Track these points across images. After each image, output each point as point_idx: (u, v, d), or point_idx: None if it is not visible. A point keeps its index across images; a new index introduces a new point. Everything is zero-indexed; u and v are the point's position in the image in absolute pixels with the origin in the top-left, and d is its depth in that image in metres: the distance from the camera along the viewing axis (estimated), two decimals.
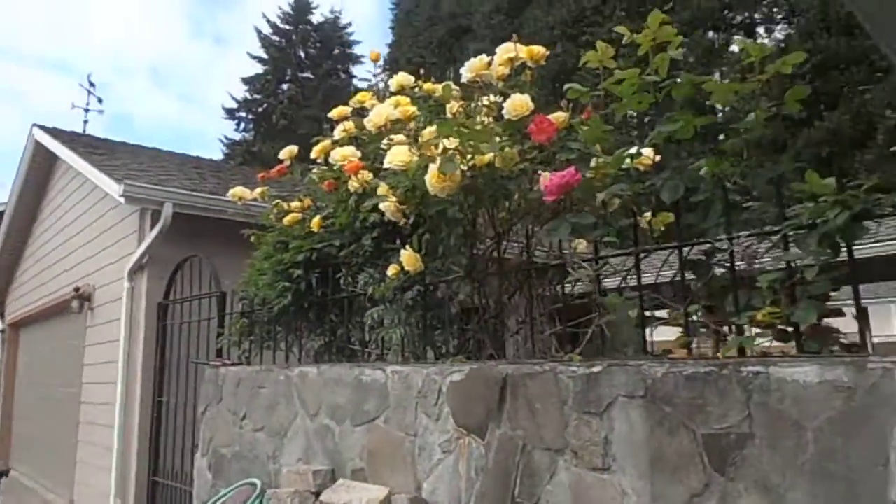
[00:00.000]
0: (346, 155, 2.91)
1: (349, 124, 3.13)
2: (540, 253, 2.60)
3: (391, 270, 2.70)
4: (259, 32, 32.97)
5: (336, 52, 35.02)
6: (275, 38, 33.64)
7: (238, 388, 3.75)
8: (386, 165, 2.35)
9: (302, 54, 34.32)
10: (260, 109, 32.38)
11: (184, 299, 5.11)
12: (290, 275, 3.35)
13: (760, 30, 23.09)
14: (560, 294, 2.24)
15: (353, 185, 2.88)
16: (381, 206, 2.45)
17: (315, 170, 3.51)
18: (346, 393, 2.90)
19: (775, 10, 20.89)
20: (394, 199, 2.41)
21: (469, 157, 2.12)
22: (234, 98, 32.68)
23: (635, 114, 2.24)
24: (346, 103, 3.38)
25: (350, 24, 35.84)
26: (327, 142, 3.19)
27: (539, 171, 2.31)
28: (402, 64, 27.76)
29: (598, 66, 2.27)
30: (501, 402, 2.19)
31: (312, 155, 3.24)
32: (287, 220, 3.44)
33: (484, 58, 2.30)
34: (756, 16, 21.89)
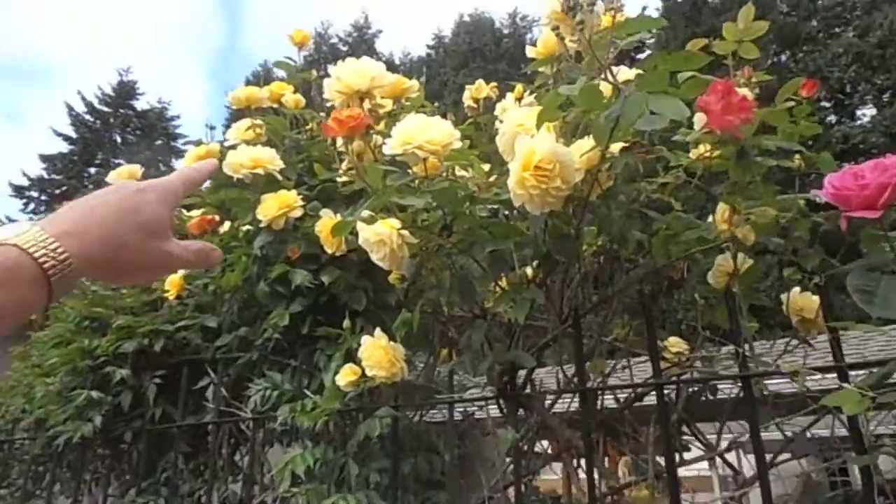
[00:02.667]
0: (259, 160, 1.59)
1: (258, 123, 1.82)
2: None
3: (345, 376, 1.37)
4: (70, 109, 29.67)
5: (159, 142, 32.48)
6: (89, 117, 30.48)
7: None
8: (396, 150, 1.10)
9: (118, 139, 31.35)
10: (58, 191, 28.45)
11: None
12: (103, 377, 1.81)
13: None
14: None
15: (268, 212, 1.56)
16: (366, 238, 1.17)
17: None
18: None
19: None
20: (394, 224, 1.14)
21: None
22: (26, 175, 28.47)
23: None
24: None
25: (178, 116, 33.79)
26: (212, 146, 1.83)
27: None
28: None
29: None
30: None
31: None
32: None
33: None
34: None
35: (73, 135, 30.60)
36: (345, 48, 30.73)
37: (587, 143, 1.06)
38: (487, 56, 27.49)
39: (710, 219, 1.37)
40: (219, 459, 1.79)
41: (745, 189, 1.20)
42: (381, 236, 1.15)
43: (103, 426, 1.79)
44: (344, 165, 1.32)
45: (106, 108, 31.92)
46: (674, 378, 1.23)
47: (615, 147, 1.07)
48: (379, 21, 39.53)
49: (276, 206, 1.56)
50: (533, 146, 0.97)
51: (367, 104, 1.43)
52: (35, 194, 29.32)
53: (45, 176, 29.29)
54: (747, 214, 1.12)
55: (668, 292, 1.31)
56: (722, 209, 1.30)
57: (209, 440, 1.81)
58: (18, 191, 28.91)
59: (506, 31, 29.44)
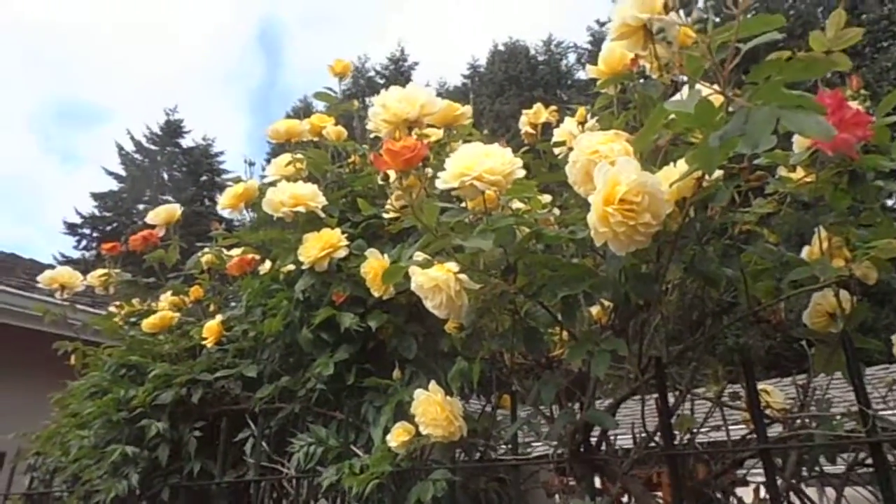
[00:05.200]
0: (300, 197, 1.49)
1: (298, 157, 1.72)
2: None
3: (398, 436, 1.23)
4: (120, 149, 30.80)
5: (203, 178, 33.34)
6: (138, 156, 31.57)
7: None
8: (451, 183, 0.96)
9: (165, 176, 32.33)
10: (108, 228, 29.39)
11: None
12: (139, 431, 1.71)
13: None
14: None
15: (310, 253, 1.44)
16: (420, 283, 1.03)
17: (215, 245, 2.02)
18: None
19: None
20: (452, 268, 1.01)
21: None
22: (79, 213, 29.56)
23: None
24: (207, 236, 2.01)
25: (223, 152, 34.70)
26: (251, 183, 1.74)
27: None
28: None
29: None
30: None
31: (222, 204, 1.76)
32: (147, 323, 1.86)
33: None
34: None
35: (123, 173, 31.71)
36: (382, 81, 31.19)
37: (674, 170, 0.92)
38: (523, 83, 27.52)
39: (804, 251, 1.20)
40: None
41: (857, 217, 1.04)
42: (436, 281, 1.01)
43: (140, 483, 1.69)
44: (393, 200, 1.21)
45: (153, 147, 33.04)
46: (782, 441, 1.06)
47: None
48: (415, 53, 40.15)
49: (318, 246, 1.45)
50: (617, 176, 0.83)
51: (414, 133, 1.31)
52: (87, 231, 30.38)
53: (97, 213, 30.35)
54: (867, 248, 0.95)
55: (764, 336, 1.14)
56: (822, 240, 1.13)
57: (251, 496, 1.68)
58: (72, 228, 30.00)
59: (541, 58, 29.48)
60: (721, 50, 0.72)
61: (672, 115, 0.79)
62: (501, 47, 29.58)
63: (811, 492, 1.27)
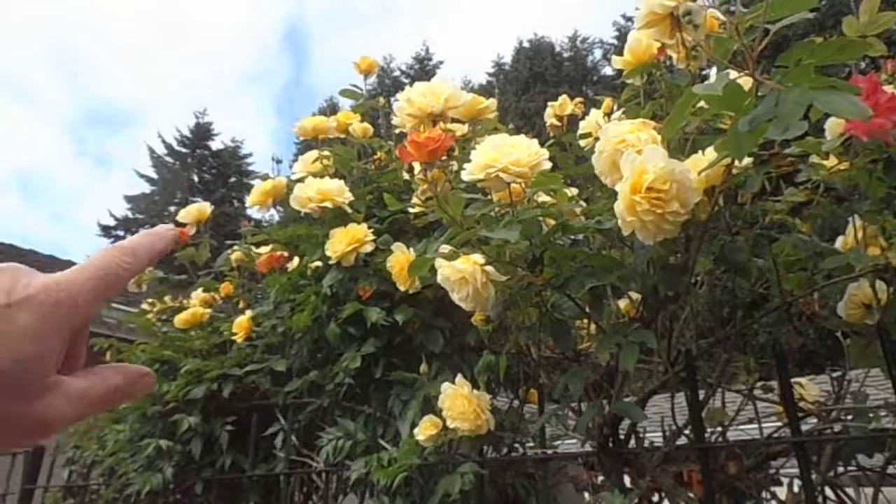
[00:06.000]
0: (327, 192, 1.50)
1: (325, 154, 1.74)
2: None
3: (425, 429, 1.23)
4: (152, 152, 31.40)
5: (232, 180, 33.80)
6: (168, 159, 32.15)
7: None
8: (477, 175, 0.96)
9: (196, 178, 32.83)
10: (141, 229, 29.97)
11: None
12: (172, 425, 1.74)
13: None
14: None
15: (337, 248, 1.46)
16: (446, 276, 1.03)
17: (244, 242, 2.04)
18: None
19: None
20: (478, 260, 1.01)
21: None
22: (112, 215, 30.22)
23: None
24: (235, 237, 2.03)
25: (251, 154, 35.09)
26: (279, 180, 1.76)
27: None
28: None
29: None
30: None
31: (250, 201, 1.79)
32: (180, 319, 1.89)
33: None
34: None
35: (155, 176, 32.29)
36: (407, 80, 31.25)
37: (702, 157, 0.90)
38: (548, 80, 27.33)
39: (838, 241, 1.18)
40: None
41: (893, 205, 1.01)
42: (463, 273, 1.01)
43: (174, 476, 1.72)
44: (419, 193, 1.21)
45: (184, 150, 33.55)
46: (816, 434, 1.03)
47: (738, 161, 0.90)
48: (440, 52, 40.20)
49: (345, 241, 1.46)
50: (644, 164, 0.82)
51: (439, 127, 1.32)
52: (121, 233, 31.01)
53: (130, 216, 30.99)
54: None
55: (797, 332, 1.11)
56: (857, 230, 1.11)
57: (281, 489, 1.71)
58: (106, 230, 30.69)
59: (566, 55, 29.24)
60: (750, 32, 0.70)
61: (700, 102, 0.78)
62: (526, 44, 29.40)
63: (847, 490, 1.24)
